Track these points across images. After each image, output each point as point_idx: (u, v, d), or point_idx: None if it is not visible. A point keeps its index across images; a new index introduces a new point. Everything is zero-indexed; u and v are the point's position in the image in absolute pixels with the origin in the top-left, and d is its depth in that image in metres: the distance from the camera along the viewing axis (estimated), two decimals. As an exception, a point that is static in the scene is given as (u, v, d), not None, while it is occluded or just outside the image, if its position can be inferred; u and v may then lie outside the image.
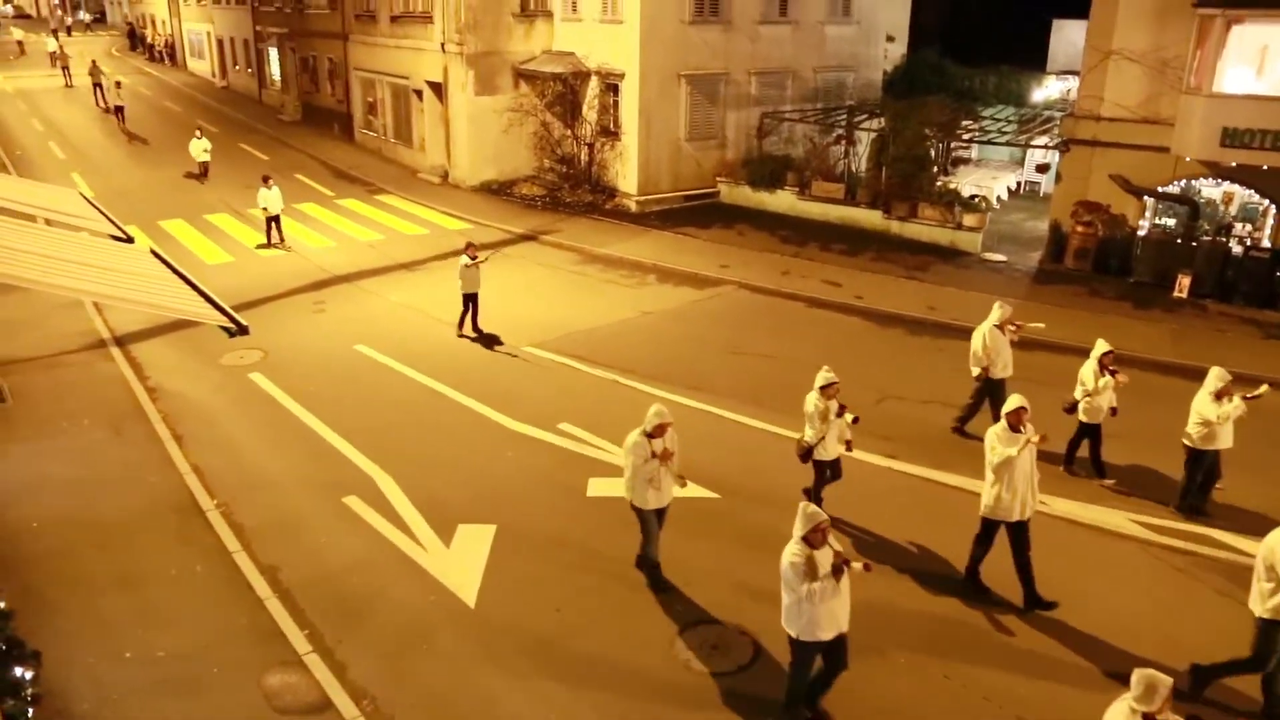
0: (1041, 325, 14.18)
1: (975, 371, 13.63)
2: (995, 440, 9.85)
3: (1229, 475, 11.86)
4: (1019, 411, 9.80)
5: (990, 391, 13.58)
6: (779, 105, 28.89)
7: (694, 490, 11.50)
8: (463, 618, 9.68)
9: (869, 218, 25.14)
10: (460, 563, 10.53)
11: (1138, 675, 6.23)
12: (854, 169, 27.26)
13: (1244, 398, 11.17)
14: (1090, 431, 12.61)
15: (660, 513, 9.93)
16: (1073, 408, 12.52)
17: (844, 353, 17.21)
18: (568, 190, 27.60)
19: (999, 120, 28.34)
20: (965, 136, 26.97)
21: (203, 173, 29.30)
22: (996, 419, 13.46)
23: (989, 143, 27.23)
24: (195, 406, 14.44)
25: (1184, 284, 20.70)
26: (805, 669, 8.05)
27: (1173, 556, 11.02)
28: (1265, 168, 19.62)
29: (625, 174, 27.14)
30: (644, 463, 9.52)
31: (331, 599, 9.92)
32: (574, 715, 8.44)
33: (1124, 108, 21.52)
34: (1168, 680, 6.13)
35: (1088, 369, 12.41)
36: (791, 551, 7.63)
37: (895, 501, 12.00)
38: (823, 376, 11.01)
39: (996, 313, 13.46)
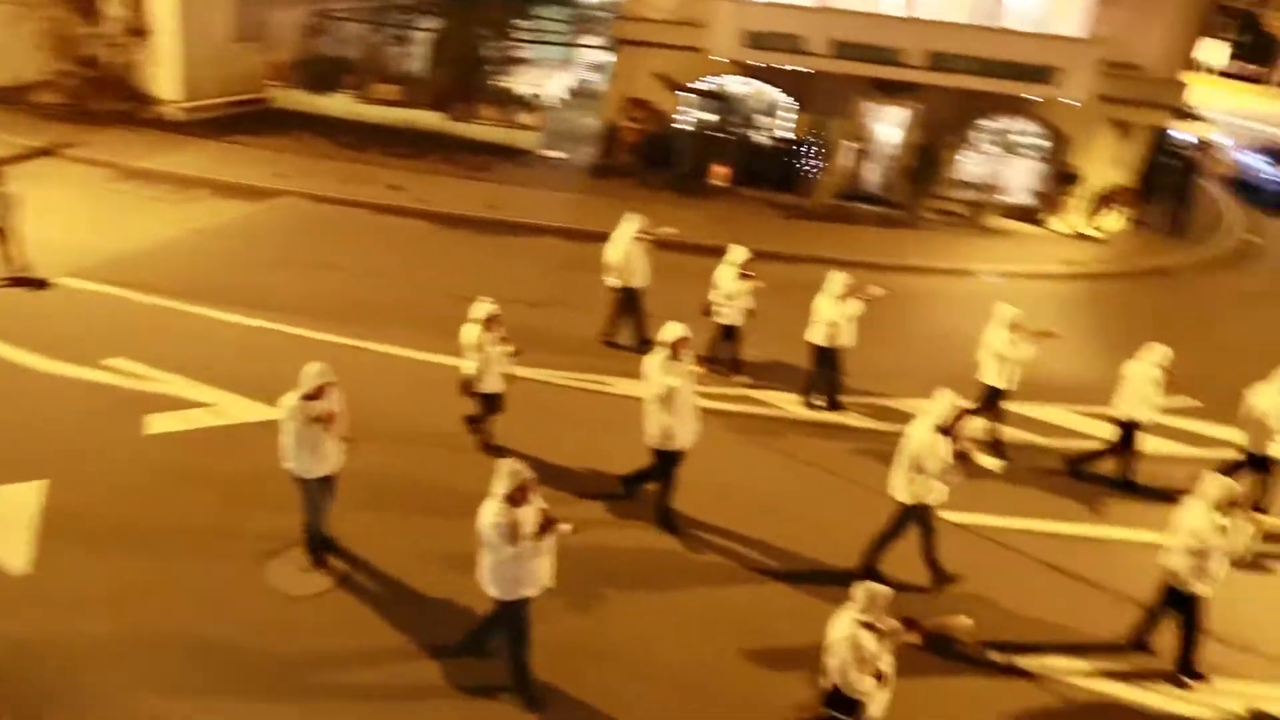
0: (674, 230, 14.43)
1: (613, 284, 13.90)
2: (657, 370, 9.76)
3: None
4: (680, 341, 9.77)
5: (630, 302, 14.00)
6: (330, 3, 27.61)
7: (266, 412, 11.25)
8: (14, 588, 8.81)
9: (429, 119, 25.10)
10: (3, 528, 9.51)
11: (859, 588, 6.92)
12: (411, 70, 26.91)
13: (862, 298, 12.48)
14: (727, 332, 13.52)
15: (326, 480, 9.01)
16: (709, 310, 13.34)
17: (412, 258, 17.38)
18: (94, 97, 24.67)
19: (553, 20, 29.19)
20: (519, 36, 27.49)
21: None
22: (639, 330, 14.22)
23: (543, 43, 28.00)
24: None
25: (719, 173, 22.98)
26: (522, 627, 7.81)
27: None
28: (782, 67, 22.10)
29: (163, 78, 24.69)
30: (305, 427, 8.61)
31: None
32: (163, 664, 8.08)
33: (665, 10, 23.03)
34: (887, 590, 6.90)
35: (725, 273, 13.16)
36: (494, 512, 7.30)
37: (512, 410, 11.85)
38: (483, 308, 10.66)
39: (631, 224, 13.72)
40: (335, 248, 17.44)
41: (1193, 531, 8.57)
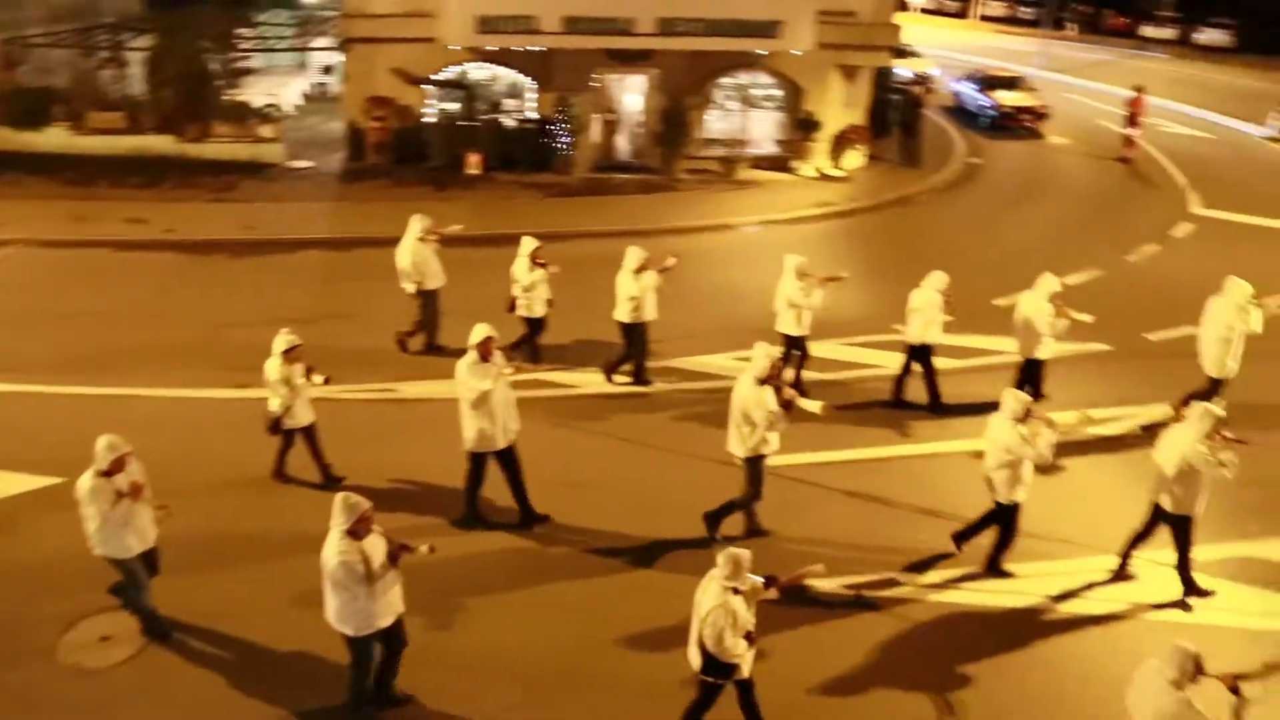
0: (460, 227, 14.26)
1: (410, 289, 13.63)
2: (467, 374, 9.60)
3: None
4: (487, 341, 9.61)
5: (428, 304, 13.74)
6: (21, 30, 25.27)
7: (31, 482, 10.53)
8: None
9: (161, 144, 23.52)
10: None
11: (723, 555, 6.97)
12: (132, 93, 25.15)
13: (659, 271, 12.64)
14: (534, 324, 13.44)
15: (147, 555, 8.36)
16: (513, 306, 13.24)
17: (170, 293, 16.47)
18: None
19: (276, 26, 27.99)
20: (244, 46, 26.19)
21: None
22: (429, 333, 13.94)
23: (270, 50, 26.82)
24: None
25: (473, 161, 22.81)
26: (367, 661, 7.53)
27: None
28: (518, 49, 22.13)
29: None
30: (112, 507, 7.93)
31: None
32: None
33: (392, 3, 22.46)
34: (748, 553, 6.99)
35: (520, 266, 13.06)
36: (339, 550, 6.91)
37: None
38: (283, 340, 10.14)
39: (417, 225, 13.46)
40: (81, 294, 16.16)
41: (1003, 446, 9.31)
